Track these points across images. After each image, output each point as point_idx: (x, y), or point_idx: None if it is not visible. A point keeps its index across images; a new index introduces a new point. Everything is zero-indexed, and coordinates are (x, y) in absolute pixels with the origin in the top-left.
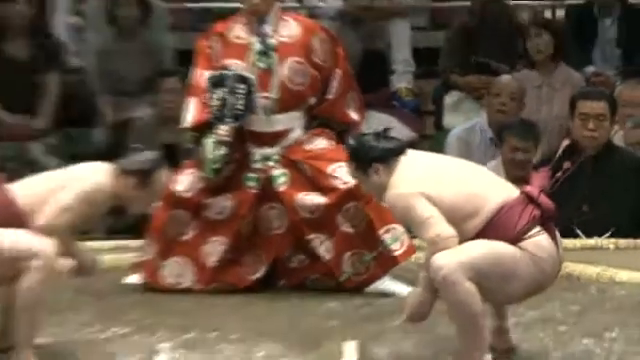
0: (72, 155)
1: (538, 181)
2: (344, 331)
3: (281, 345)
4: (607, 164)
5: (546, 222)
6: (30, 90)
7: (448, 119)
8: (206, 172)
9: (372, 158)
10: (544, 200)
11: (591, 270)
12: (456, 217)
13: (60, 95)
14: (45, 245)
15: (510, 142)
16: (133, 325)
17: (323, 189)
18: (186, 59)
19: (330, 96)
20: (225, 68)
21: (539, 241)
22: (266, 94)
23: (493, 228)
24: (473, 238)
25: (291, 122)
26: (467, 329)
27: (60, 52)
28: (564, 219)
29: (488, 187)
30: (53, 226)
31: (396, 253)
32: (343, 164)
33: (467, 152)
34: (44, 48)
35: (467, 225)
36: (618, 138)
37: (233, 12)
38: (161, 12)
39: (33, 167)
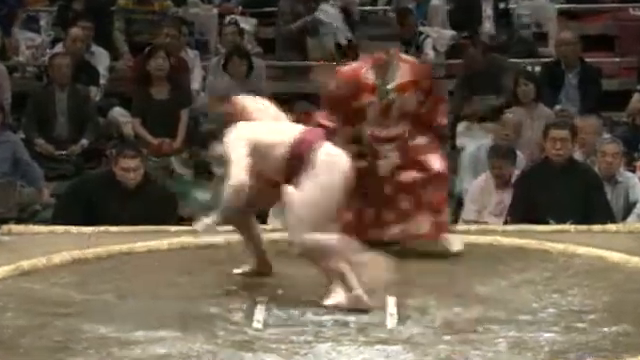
0: (196, 165)
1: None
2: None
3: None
4: (569, 172)
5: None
6: (169, 121)
7: (459, 141)
8: None
9: None
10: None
11: (559, 246)
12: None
13: (189, 124)
14: None
15: (492, 161)
16: (240, 284)
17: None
18: (278, 100)
19: (428, 110)
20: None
21: None
22: (389, 114)
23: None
24: None
25: (403, 128)
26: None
27: (189, 94)
28: (541, 210)
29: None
30: None
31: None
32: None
33: (477, 164)
34: (179, 92)
35: None
36: (578, 154)
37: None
38: (260, 66)
39: (172, 175)
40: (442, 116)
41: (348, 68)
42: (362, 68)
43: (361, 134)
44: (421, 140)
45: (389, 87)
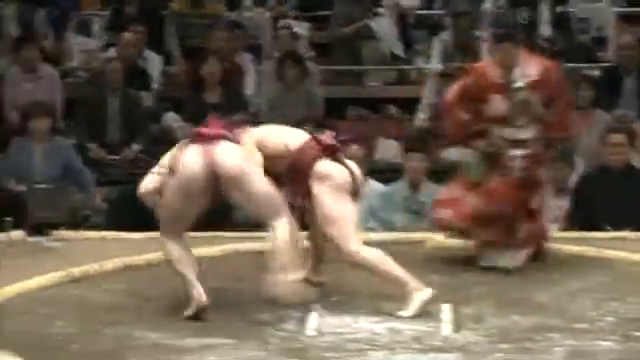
0: None
1: None
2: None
3: (398, 306)
4: (627, 179)
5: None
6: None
7: None
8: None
9: None
10: None
11: (618, 253)
12: None
13: None
14: None
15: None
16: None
17: None
18: (331, 105)
19: (557, 115)
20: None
21: None
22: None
23: None
24: None
25: (532, 133)
26: None
27: (243, 99)
28: (599, 216)
29: None
30: None
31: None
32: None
33: None
34: (232, 96)
35: None
36: (636, 160)
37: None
38: (314, 71)
39: None
40: (571, 126)
41: (476, 66)
42: (488, 67)
43: (489, 132)
44: (543, 172)
45: (517, 86)
